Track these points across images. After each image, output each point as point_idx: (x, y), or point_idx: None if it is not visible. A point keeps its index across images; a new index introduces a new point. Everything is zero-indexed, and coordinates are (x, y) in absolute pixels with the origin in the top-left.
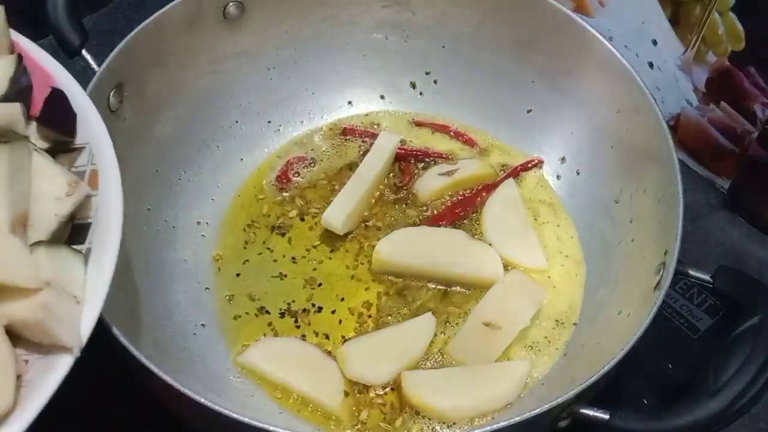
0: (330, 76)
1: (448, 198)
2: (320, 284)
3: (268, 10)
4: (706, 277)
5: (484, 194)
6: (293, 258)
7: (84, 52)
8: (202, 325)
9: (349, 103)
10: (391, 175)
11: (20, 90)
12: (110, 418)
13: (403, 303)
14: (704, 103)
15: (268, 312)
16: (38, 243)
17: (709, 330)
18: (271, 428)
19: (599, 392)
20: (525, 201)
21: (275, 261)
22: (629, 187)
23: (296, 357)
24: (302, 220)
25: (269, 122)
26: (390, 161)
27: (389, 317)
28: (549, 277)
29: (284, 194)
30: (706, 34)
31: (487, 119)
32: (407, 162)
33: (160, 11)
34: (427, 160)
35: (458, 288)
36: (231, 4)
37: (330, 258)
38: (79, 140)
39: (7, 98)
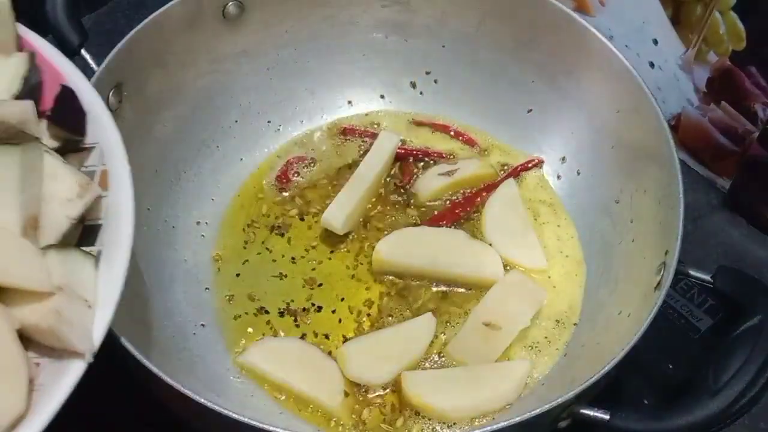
0: (330, 75)
1: (448, 198)
2: (320, 284)
3: (268, 10)
4: (707, 277)
5: (484, 194)
6: (293, 258)
7: (83, 51)
8: (202, 325)
9: (349, 102)
10: (391, 175)
11: (31, 88)
12: (110, 418)
13: (404, 303)
14: (705, 103)
15: (267, 312)
16: (49, 246)
17: (709, 330)
18: (271, 428)
19: (599, 392)
20: (525, 201)
21: (275, 261)
22: (629, 187)
23: (296, 357)
24: (302, 219)
25: (269, 122)
26: (390, 161)
27: (390, 318)
28: (549, 277)
29: (284, 194)
30: (707, 33)
31: (487, 119)
32: (407, 162)
33: (160, 11)
34: (427, 160)
35: (458, 288)
36: (231, 3)
37: (330, 258)
38: (88, 140)
39: (19, 97)
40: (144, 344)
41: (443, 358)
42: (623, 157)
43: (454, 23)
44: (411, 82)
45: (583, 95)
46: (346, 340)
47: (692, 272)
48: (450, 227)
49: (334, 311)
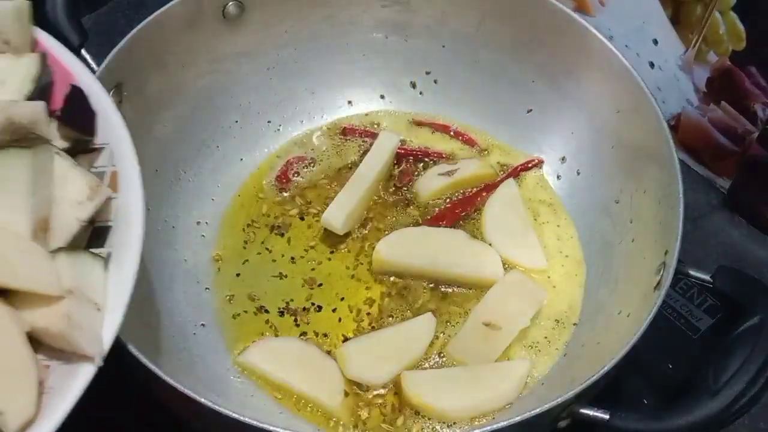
0: (330, 76)
1: (448, 198)
2: (320, 284)
3: (268, 10)
4: (706, 277)
5: (484, 194)
6: (292, 258)
7: (83, 51)
8: (202, 325)
9: (349, 102)
10: (391, 175)
11: (42, 88)
12: (110, 418)
13: (404, 303)
14: (705, 103)
15: (267, 311)
16: (59, 249)
17: (709, 330)
18: (271, 428)
19: (599, 392)
20: (525, 201)
21: (274, 261)
22: (629, 187)
23: (296, 357)
24: (302, 219)
25: (269, 122)
26: (390, 161)
27: (390, 318)
28: (549, 277)
29: (284, 194)
30: (707, 33)
31: (487, 119)
32: (407, 162)
33: (160, 11)
34: (427, 160)
35: (458, 288)
36: (231, 3)
37: (330, 258)
38: (98, 140)
39: (31, 98)
40: (144, 344)
41: (443, 358)
42: (623, 157)
43: (454, 23)
44: (411, 82)
45: (583, 95)
46: (345, 339)
47: (692, 272)
48: (450, 227)
49: (334, 310)
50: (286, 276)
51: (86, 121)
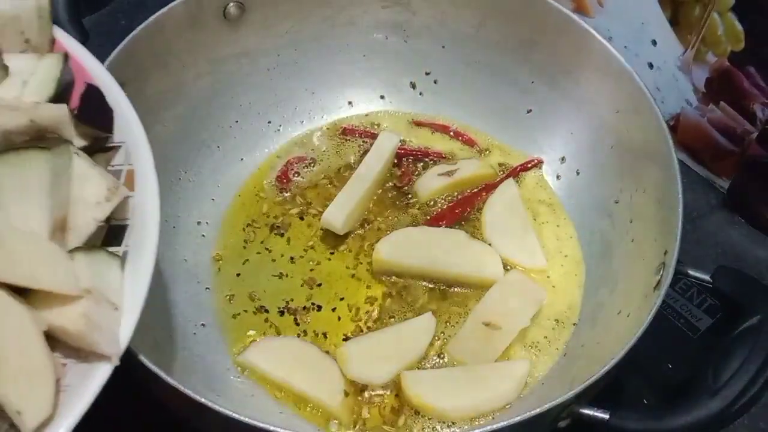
0: (330, 76)
1: (448, 198)
2: (320, 284)
3: (269, 11)
4: (706, 277)
5: (484, 194)
6: (292, 258)
7: None
8: (202, 325)
9: (349, 103)
10: (391, 175)
11: (63, 89)
12: (110, 418)
13: (404, 303)
14: (704, 103)
15: (267, 311)
16: (77, 248)
17: (708, 330)
18: (271, 428)
19: (599, 392)
20: (524, 201)
21: (274, 261)
22: (629, 187)
23: (296, 357)
24: (302, 219)
25: (269, 122)
26: (390, 161)
27: (390, 318)
28: (549, 277)
29: (284, 194)
30: (706, 34)
31: (487, 119)
32: (407, 162)
33: (161, 11)
34: (427, 160)
35: (458, 288)
36: (231, 4)
37: (330, 258)
38: (115, 138)
39: (53, 99)
40: (144, 344)
41: (443, 358)
42: (623, 157)
43: (454, 23)
44: (411, 83)
45: (583, 95)
46: (345, 339)
47: (691, 272)
48: (450, 227)
49: (333, 310)
50: (286, 276)
51: (104, 119)
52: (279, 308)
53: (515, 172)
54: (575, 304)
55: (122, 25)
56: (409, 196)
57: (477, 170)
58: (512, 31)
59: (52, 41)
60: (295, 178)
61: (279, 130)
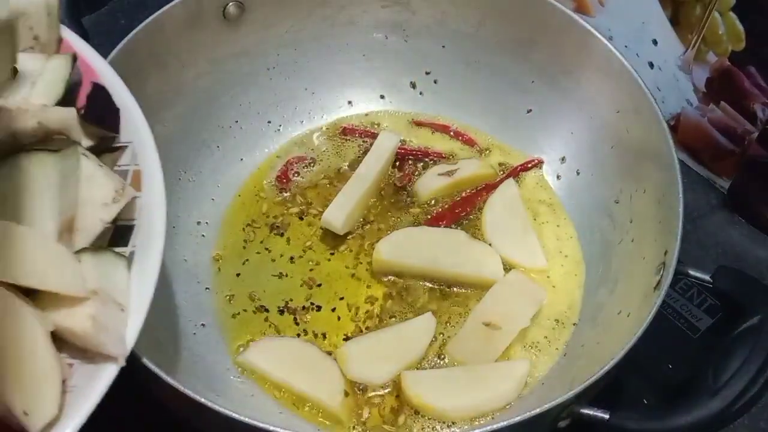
0: (330, 76)
1: (448, 198)
2: (319, 284)
3: (268, 10)
4: (706, 277)
5: (484, 194)
6: (292, 258)
7: None
8: (202, 325)
9: (349, 103)
10: (391, 175)
11: (71, 89)
12: (110, 418)
13: (404, 303)
14: (704, 103)
15: (267, 310)
16: (84, 249)
17: (709, 330)
18: (271, 428)
19: (599, 392)
20: (525, 201)
21: (274, 261)
22: (629, 187)
23: (296, 357)
24: (302, 219)
25: (269, 122)
26: (390, 161)
27: (392, 319)
28: (549, 277)
29: (284, 194)
30: (707, 33)
31: (487, 119)
32: (407, 162)
33: (160, 11)
34: (427, 160)
35: (458, 288)
36: (231, 4)
37: (330, 258)
38: (122, 138)
39: (61, 101)
40: (144, 344)
41: (443, 358)
42: (623, 157)
43: (454, 23)
44: (411, 82)
45: (583, 95)
46: (345, 338)
47: (692, 272)
48: (450, 227)
49: (333, 310)
50: (285, 275)
51: (110, 119)
52: (279, 308)
53: (515, 172)
54: (575, 304)
55: (122, 25)
56: (409, 196)
57: (477, 170)
58: (512, 31)
59: (60, 40)
60: (295, 178)
61: (279, 130)
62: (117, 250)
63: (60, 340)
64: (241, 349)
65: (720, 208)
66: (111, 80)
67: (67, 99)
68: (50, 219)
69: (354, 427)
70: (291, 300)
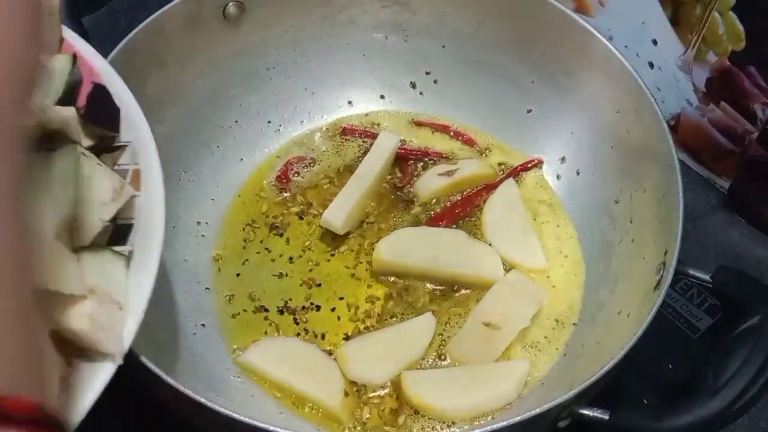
0: (330, 76)
1: (448, 198)
2: (319, 284)
3: (268, 10)
4: (706, 277)
5: (484, 194)
6: (292, 258)
7: None
8: (203, 325)
9: (349, 103)
10: (391, 175)
11: (71, 88)
12: (110, 418)
13: (404, 303)
14: (704, 103)
15: (267, 310)
16: (82, 248)
17: (709, 330)
18: (271, 428)
19: (599, 392)
20: (525, 201)
21: (273, 261)
22: (629, 187)
23: (296, 357)
24: (301, 219)
25: (269, 122)
26: (390, 161)
27: (390, 318)
28: (548, 277)
29: (284, 194)
30: (707, 33)
31: (487, 119)
32: (407, 162)
33: (160, 11)
34: (427, 160)
35: (458, 288)
36: (231, 4)
37: (330, 258)
38: (122, 138)
39: (62, 101)
40: (144, 344)
41: (443, 358)
42: (623, 157)
43: (454, 23)
44: (411, 82)
45: (583, 95)
46: (345, 338)
47: (692, 272)
48: (450, 227)
49: (333, 310)
50: (285, 275)
51: (110, 118)
52: (278, 308)
53: (515, 172)
54: (575, 304)
55: (122, 25)
56: (409, 196)
57: (477, 170)
58: (512, 31)
59: (61, 40)
60: (295, 178)
61: (279, 130)
62: (116, 248)
63: (58, 339)
64: (241, 349)
65: (720, 208)
66: (111, 80)
67: (67, 99)
68: (48, 216)
69: (354, 427)
70: (290, 299)
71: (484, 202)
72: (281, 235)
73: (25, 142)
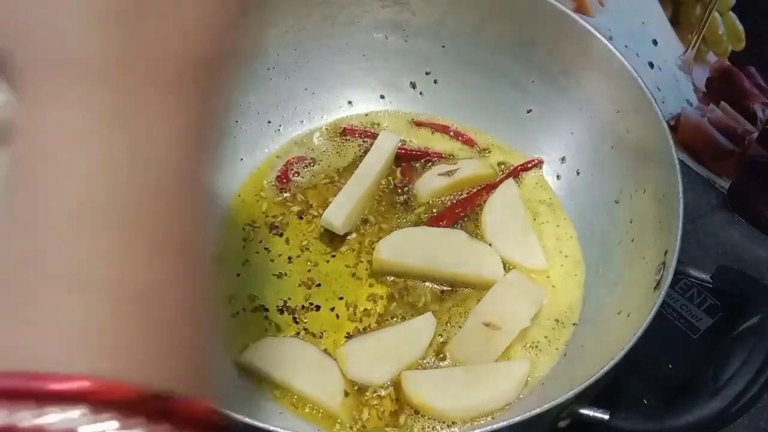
0: (330, 76)
1: (448, 198)
2: (318, 284)
3: (268, 10)
4: (706, 277)
5: (484, 194)
6: (291, 258)
7: None
8: None
9: (349, 103)
10: (391, 175)
11: None
12: None
13: (404, 303)
14: (704, 103)
15: (267, 309)
16: None
17: (709, 330)
18: (271, 428)
19: (599, 392)
20: (525, 201)
21: (273, 261)
22: (629, 187)
23: (296, 357)
24: (301, 219)
25: (269, 122)
26: (390, 161)
27: (391, 318)
28: (549, 277)
29: (284, 194)
30: (707, 34)
31: (487, 119)
32: (407, 162)
33: None
34: (427, 160)
35: (458, 288)
36: None
37: (329, 258)
38: None
39: None
40: None
41: (443, 359)
42: (623, 157)
43: (454, 23)
44: (411, 82)
45: (583, 95)
46: (345, 338)
47: (692, 272)
48: (450, 227)
49: (332, 309)
50: (285, 275)
51: None
52: (278, 307)
53: (515, 172)
54: (575, 304)
55: None
56: (409, 196)
57: (477, 170)
58: (512, 31)
59: None
60: (295, 178)
61: (279, 130)
62: None
63: None
64: (242, 349)
65: (720, 208)
66: None
67: None
68: None
69: (354, 427)
70: (290, 299)
71: (484, 202)
72: (281, 234)
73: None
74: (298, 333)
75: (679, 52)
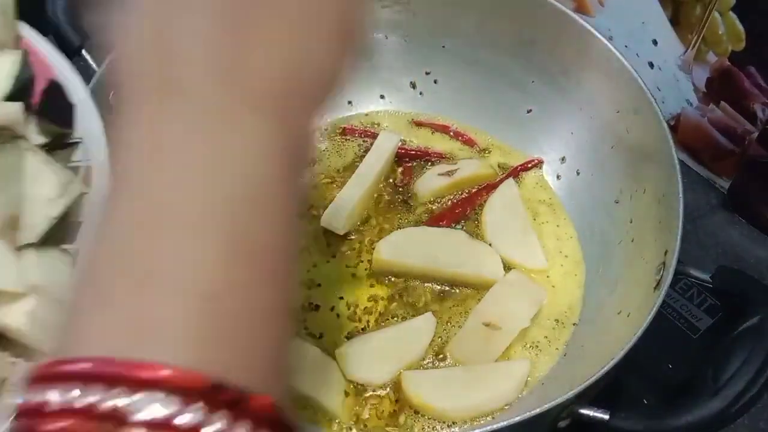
0: None
1: (448, 198)
2: (319, 284)
3: None
4: (706, 277)
5: (484, 194)
6: None
7: (84, 52)
8: None
9: (349, 102)
10: (391, 175)
11: (22, 85)
12: None
13: (404, 304)
14: (704, 103)
15: None
16: (28, 245)
17: (709, 330)
18: None
19: (599, 392)
20: (525, 201)
21: None
22: (629, 187)
23: (296, 357)
24: (301, 219)
25: None
26: (390, 161)
27: (392, 319)
28: (548, 277)
29: None
30: (707, 34)
31: (487, 119)
32: (407, 162)
33: None
34: (427, 160)
35: (458, 288)
36: None
37: (329, 258)
38: (77, 135)
39: (10, 97)
40: None
41: (443, 359)
42: (623, 157)
43: (454, 23)
44: (411, 82)
45: (583, 95)
46: (345, 339)
47: (692, 272)
48: (450, 227)
49: (332, 309)
50: None
51: (63, 115)
52: None
53: (515, 172)
54: (575, 304)
55: None
56: (409, 196)
57: (477, 170)
58: (512, 31)
59: (18, 38)
60: None
61: None
62: (65, 246)
63: (3, 339)
64: None
65: (720, 208)
66: (68, 77)
67: (18, 95)
68: None
69: (353, 427)
70: None
71: (484, 202)
72: None
73: None
74: (297, 333)
75: (679, 52)
